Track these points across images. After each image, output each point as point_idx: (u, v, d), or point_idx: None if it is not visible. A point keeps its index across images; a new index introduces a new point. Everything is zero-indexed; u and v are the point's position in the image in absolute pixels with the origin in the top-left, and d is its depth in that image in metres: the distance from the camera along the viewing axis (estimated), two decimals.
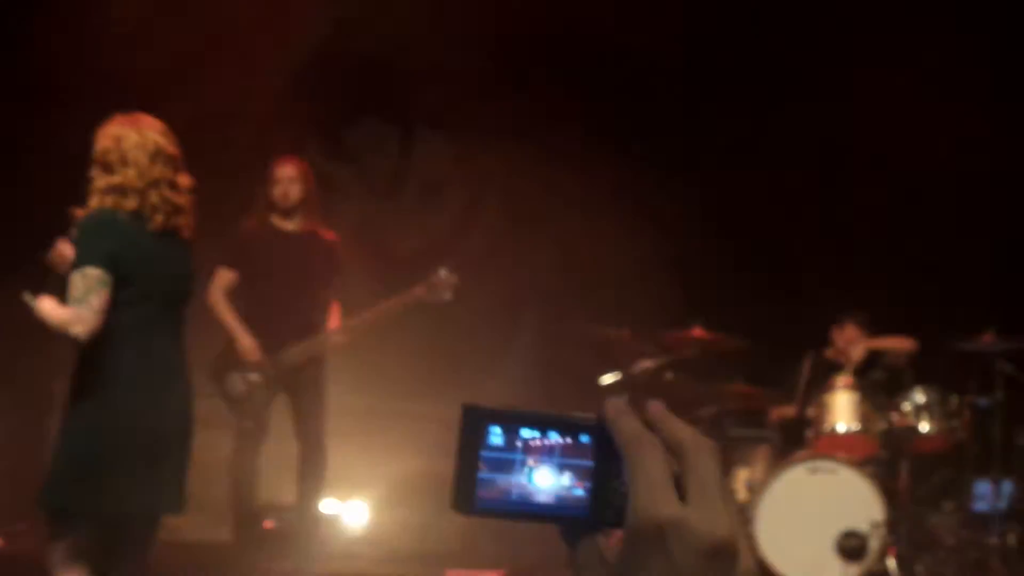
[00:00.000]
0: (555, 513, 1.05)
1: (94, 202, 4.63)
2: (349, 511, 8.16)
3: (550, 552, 7.28)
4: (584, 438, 1.06)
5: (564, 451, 1.06)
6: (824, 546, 6.99)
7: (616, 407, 1.04)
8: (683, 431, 1.02)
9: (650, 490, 0.99)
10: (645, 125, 9.29)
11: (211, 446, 8.55)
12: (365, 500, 8.22)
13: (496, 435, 1.05)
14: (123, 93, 8.56)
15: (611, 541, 1.03)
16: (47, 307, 4.50)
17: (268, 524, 7.79)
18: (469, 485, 1.05)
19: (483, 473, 1.05)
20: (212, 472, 8.39)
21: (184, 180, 4.83)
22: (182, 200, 4.80)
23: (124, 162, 4.66)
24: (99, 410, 4.57)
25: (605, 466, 1.05)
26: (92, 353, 4.56)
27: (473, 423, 1.05)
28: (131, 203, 4.64)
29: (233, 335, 7.35)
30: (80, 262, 4.51)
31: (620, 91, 9.47)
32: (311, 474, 7.44)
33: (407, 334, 8.30)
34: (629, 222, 8.46)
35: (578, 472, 1.06)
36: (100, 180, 4.64)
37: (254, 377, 7.32)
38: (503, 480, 1.05)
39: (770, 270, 8.94)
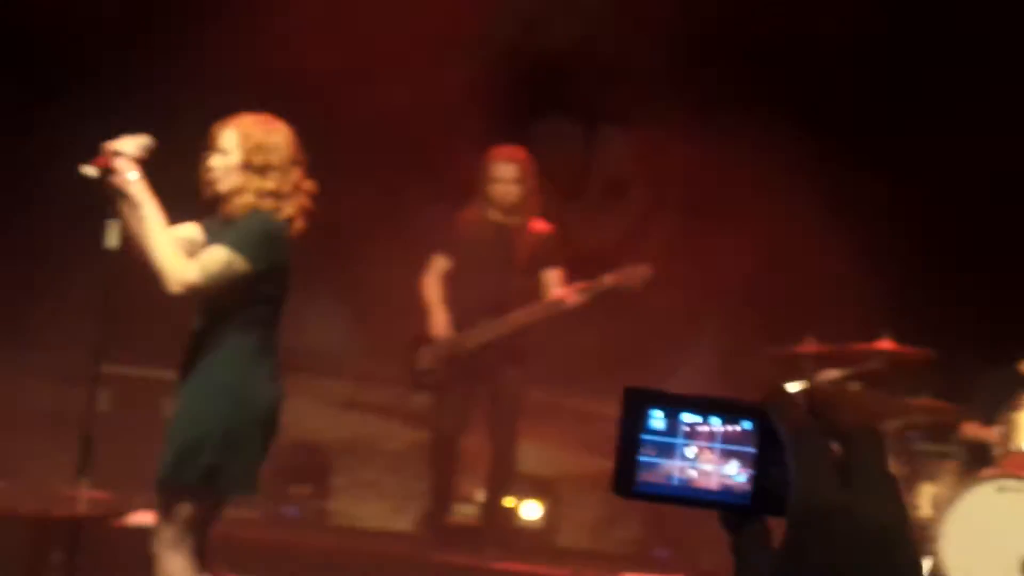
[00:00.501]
0: (716, 500, 1.04)
1: (248, 201, 4.73)
2: (525, 508, 8.19)
3: (727, 559, 7.21)
4: (747, 424, 1.05)
5: (726, 437, 1.05)
6: (1010, 567, 6.82)
7: (778, 392, 1.04)
8: (847, 417, 1.01)
9: (814, 477, 0.98)
10: (834, 123, 9.13)
11: (392, 436, 8.70)
12: (541, 498, 8.24)
13: (658, 419, 1.05)
14: (310, 90, 8.74)
15: (773, 529, 1.02)
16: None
17: (449, 518, 7.86)
18: (630, 468, 1.05)
19: (644, 456, 1.04)
20: (393, 461, 8.52)
21: (309, 184, 4.92)
22: (308, 205, 4.89)
23: (270, 166, 4.76)
24: (223, 393, 4.69)
25: (768, 453, 1.04)
26: (224, 338, 4.70)
27: (635, 405, 1.05)
28: (288, 211, 4.79)
29: (428, 313, 7.52)
30: (237, 248, 4.64)
31: (810, 88, 9.32)
32: (499, 474, 7.54)
33: (586, 333, 8.30)
34: (817, 226, 8.33)
35: (740, 458, 1.05)
36: (251, 181, 4.73)
37: (439, 351, 7.45)
38: (664, 464, 1.04)
39: (963, 277, 8.72)
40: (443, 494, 7.65)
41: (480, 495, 7.86)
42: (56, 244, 7.95)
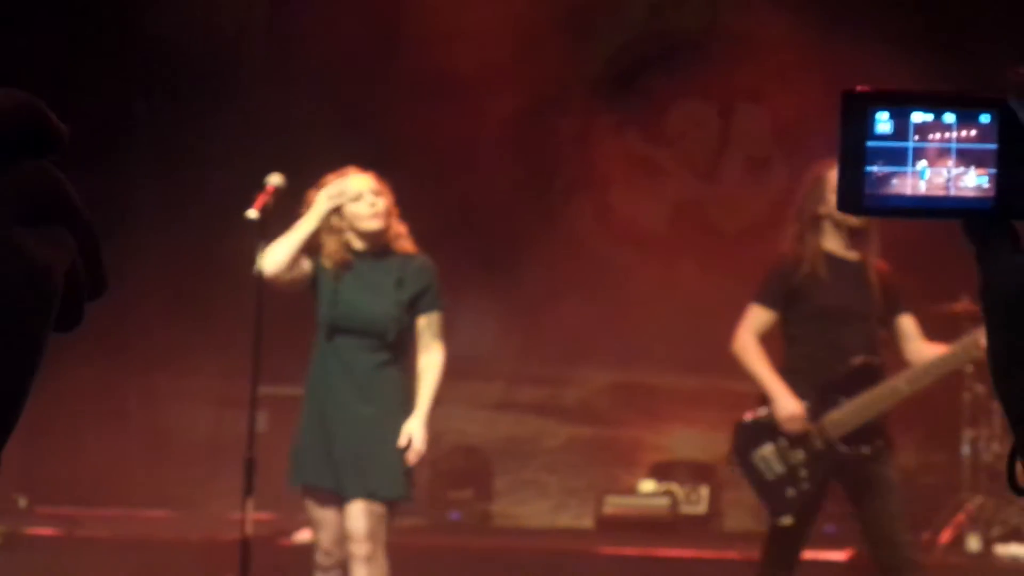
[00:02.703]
0: (954, 207, 0.95)
1: (407, 241, 5.17)
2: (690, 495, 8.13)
3: None
4: (985, 118, 0.95)
5: (962, 135, 0.95)
6: None
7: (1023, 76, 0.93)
8: None
9: None
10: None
11: (549, 433, 8.70)
12: (703, 484, 8.16)
13: (883, 121, 0.95)
14: (445, 89, 8.79)
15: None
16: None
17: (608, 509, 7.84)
18: (856, 182, 0.95)
19: (871, 167, 0.95)
20: (551, 458, 8.52)
21: None
22: None
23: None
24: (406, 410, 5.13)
25: (1012, 148, 0.94)
26: (398, 362, 5.13)
27: (856, 110, 0.96)
28: None
29: (769, 395, 5.32)
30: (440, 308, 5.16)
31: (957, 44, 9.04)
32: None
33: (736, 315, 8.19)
34: None
35: (979, 158, 0.95)
36: (399, 224, 5.15)
37: (796, 454, 5.30)
38: (893, 173, 0.95)
39: None
40: None
41: (647, 486, 7.82)
42: (205, 271, 8.13)
